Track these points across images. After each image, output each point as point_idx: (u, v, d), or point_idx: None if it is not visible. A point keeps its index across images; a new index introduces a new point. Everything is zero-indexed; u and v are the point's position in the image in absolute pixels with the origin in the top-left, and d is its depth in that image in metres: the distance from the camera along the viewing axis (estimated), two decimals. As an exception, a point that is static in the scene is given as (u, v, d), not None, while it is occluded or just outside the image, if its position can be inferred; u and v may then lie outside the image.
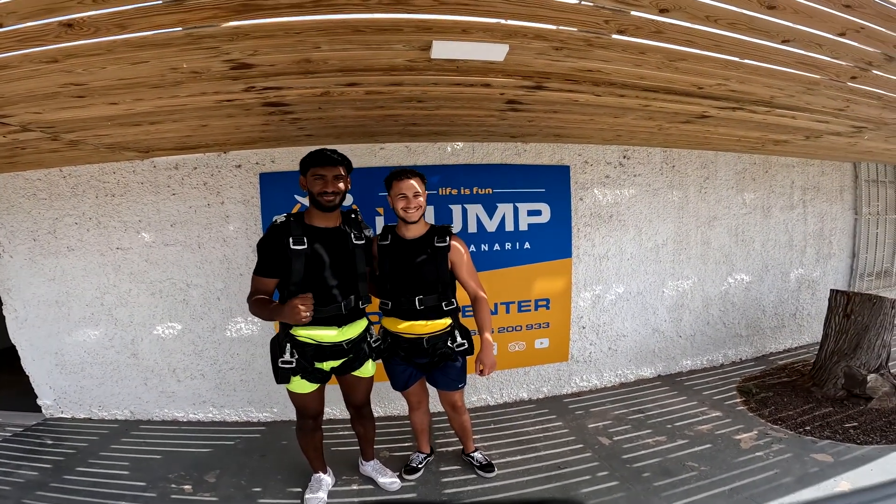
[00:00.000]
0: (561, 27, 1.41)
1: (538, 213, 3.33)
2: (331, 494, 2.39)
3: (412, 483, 2.49)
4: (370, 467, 2.52)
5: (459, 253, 2.19)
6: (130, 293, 3.14)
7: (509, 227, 3.28)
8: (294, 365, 2.01)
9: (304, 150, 2.94)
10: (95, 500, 2.39)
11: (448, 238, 2.17)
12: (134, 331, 3.17)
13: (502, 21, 1.36)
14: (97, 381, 3.25)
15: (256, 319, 3.16)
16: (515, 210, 3.28)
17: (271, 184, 3.02)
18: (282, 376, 2.03)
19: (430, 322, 2.21)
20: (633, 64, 1.72)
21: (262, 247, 1.93)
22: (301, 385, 2.07)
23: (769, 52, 1.61)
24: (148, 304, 3.15)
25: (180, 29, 1.24)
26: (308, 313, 1.78)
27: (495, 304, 3.30)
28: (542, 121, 2.60)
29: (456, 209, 3.18)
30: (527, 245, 3.32)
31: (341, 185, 1.97)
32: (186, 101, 1.87)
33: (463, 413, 2.49)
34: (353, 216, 2.16)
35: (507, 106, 2.26)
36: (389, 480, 2.45)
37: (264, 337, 3.18)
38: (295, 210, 2.96)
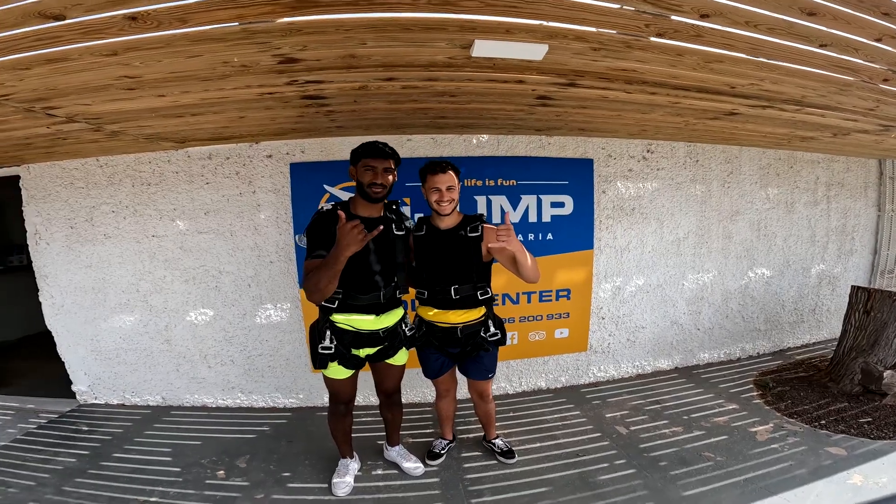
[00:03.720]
0: (602, 30, 1.44)
1: (561, 205, 3.36)
2: (356, 478, 2.46)
3: (435, 468, 2.57)
4: (395, 452, 2.59)
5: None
6: (165, 280, 3.22)
7: (532, 218, 3.32)
8: (332, 351, 2.08)
9: (334, 141, 3.07)
10: (133, 486, 2.44)
11: (480, 227, 2.20)
12: (168, 317, 3.26)
13: (545, 23, 1.39)
14: (131, 367, 3.35)
15: (286, 305, 3.24)
16: (539, 202, 3.31)
17: (301, 173, 3.08)
18: (320, 362, 2.11)
19: (464, 311, 2.25)
20: (669, 65, 1.73)
21: (313, 231, 1.98)
22: (338, 371, 2.14)
23: (806, 55, 1.62)
24: (182, 290, 3.23)
25: (237, 24, 1.28)
26: (360, 226, 1.73)
27: (517, 294, 3.36)
28: (570, 116, 2.62)
29: (480, 200, 3.22)
30: (549, 236, 3.36)
31: (390, 177, 2.03)
32: (230, 94, 1.91)
33: (489, 402, 2.56)
34: (394, 207, 2.22)
35: (537, 101, 2.29)
36: (413, 465, 2.53)
37: (292, 324, 3.27)
38: (324, 200, 3.03)
